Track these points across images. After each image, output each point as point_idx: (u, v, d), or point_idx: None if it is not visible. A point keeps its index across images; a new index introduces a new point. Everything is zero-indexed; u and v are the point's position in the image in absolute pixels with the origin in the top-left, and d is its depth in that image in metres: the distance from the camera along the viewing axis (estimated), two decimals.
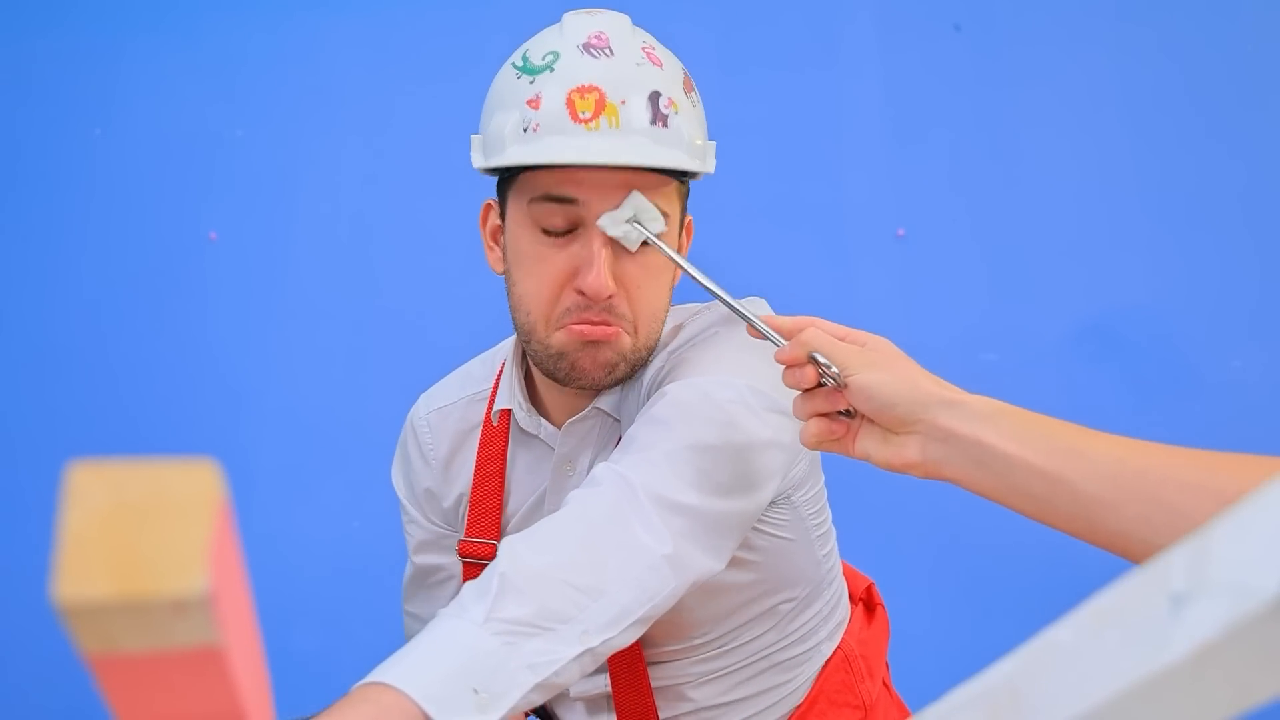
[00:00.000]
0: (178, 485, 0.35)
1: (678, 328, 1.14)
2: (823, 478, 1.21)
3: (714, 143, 1.14)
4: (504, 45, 1.17)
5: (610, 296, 1.05)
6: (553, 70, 1.05)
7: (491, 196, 1.17)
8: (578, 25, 1.08)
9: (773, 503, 1.10)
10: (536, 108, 1.04)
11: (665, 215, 1.05)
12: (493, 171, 1.11)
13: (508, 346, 1.25)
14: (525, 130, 1.04)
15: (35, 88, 2.46)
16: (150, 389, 2.41)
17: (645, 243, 1.04)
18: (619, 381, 1.11)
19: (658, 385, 1.08)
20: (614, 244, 1.05)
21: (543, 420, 1.20)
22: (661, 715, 1.20)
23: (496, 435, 1.23)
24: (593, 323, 1.06)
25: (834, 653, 1.26)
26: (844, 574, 1.33)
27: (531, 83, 1.05)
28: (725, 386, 1.02)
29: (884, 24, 2.39)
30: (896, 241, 2.35)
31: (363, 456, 2.15)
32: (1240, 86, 2.32)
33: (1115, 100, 2.34)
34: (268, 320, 2.42)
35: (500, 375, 1.25)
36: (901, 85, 2.37)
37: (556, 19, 1.13)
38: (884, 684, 1.33)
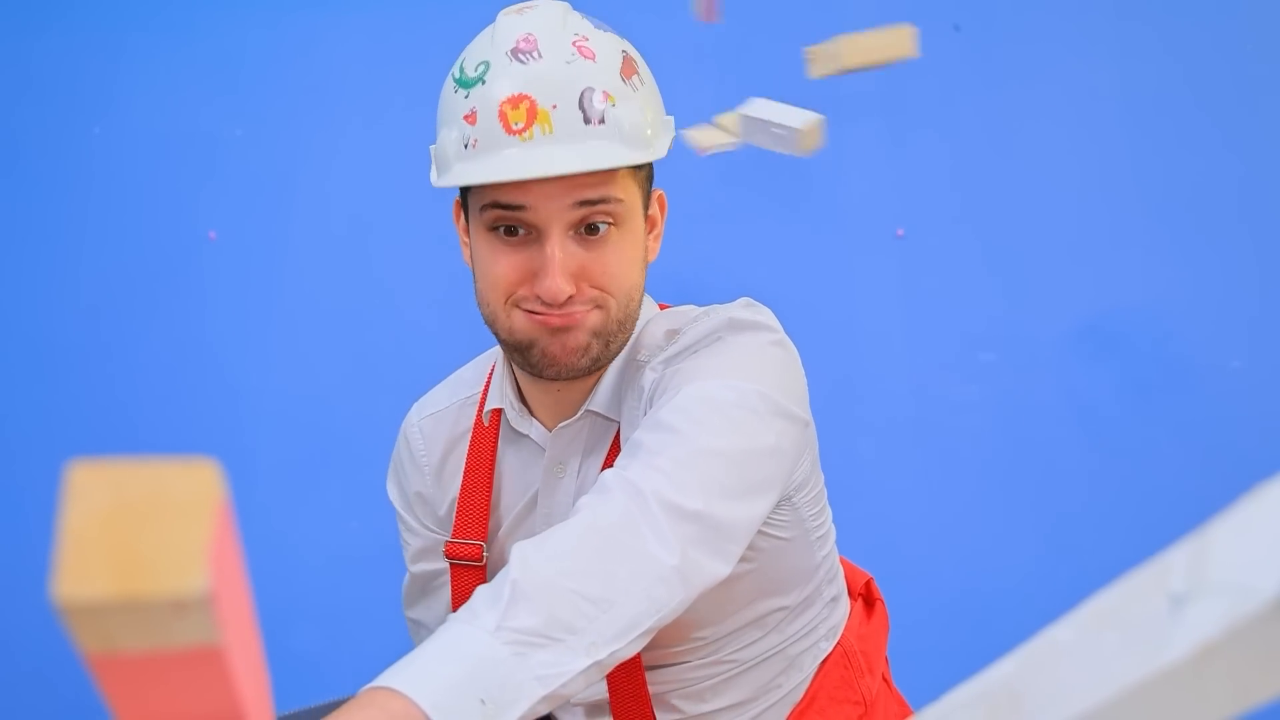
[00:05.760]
0: (178, 485, 0.35)
1: (674, 333, 1.13)
2: (823, 478, 1.21)
3: (670, 118, 1.15)
4: None
5: (569, 299, 1.06)
6: (484, 82, 1.06)
7: None
8: (508, 28, 1.09)
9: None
10: (473, 123, 1.06)
11: (620, 200, 1.06)
12: None
13: (498, 349, 1.25)
14: (466, 146, 1.06)
15: (34, 86, 2.46)
16: (149, 389, 2.41)
17: (609, 226, 1.06)
18: (595, 365, 1.11)
19: (660, 390, 1.08)
20: (572, 240, 1.06)
21: (534, 421, 1.20)
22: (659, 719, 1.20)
23: (486, 436, 1.23)
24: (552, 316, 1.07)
25: (833, 649, 1.26)
26: (843, 570, 1.33)
27: (466, 97, 1.07)
28: (731, 390, 1.02)
29: (883, 23, 2.39)
30: (896, 241, 2.35)
31: (363, 456, 2.14)
32: (1240, 86, 2.32)
33: (1115, 100, 2.34)
34: (267, 320, 2.42)
35: (491, 377, 1.25)
36: (901, 85, 2.37)
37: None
38: (884, 679, 1.32)
